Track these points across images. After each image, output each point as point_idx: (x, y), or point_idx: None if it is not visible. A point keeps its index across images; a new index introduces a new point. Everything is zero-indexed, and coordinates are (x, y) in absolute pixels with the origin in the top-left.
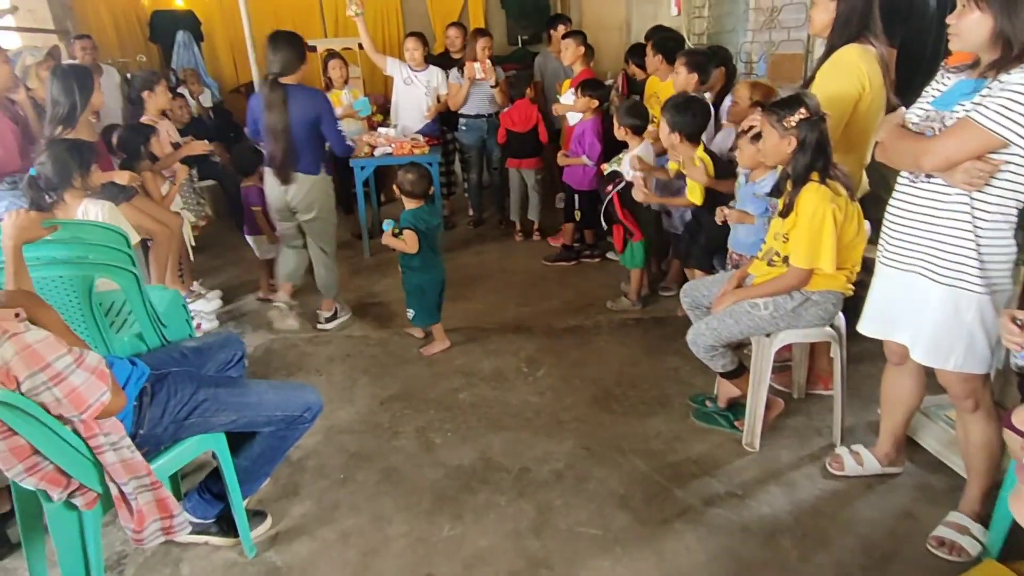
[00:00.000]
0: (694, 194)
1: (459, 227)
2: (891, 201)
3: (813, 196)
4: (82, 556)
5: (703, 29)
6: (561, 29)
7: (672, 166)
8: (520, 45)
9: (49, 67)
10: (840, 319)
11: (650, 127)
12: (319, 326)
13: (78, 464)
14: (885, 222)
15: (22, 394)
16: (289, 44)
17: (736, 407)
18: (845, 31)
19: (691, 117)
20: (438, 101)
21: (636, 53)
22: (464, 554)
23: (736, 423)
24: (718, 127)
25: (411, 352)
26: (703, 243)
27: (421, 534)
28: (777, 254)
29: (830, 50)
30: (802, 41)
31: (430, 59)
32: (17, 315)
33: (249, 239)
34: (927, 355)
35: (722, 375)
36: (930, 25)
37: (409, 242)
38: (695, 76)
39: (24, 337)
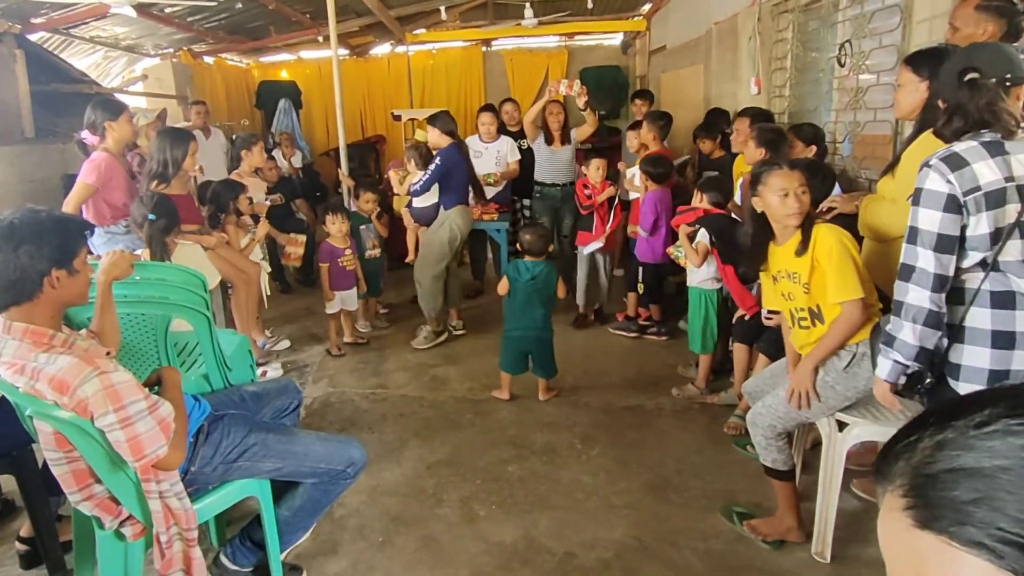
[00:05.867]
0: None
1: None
2: None
3: (827, 232)
4: None
5: (783, 108)
6: (638, 103)
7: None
8: (599, 120)
9: (157, 127)
10: None
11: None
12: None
13: (130, 496)
14: None
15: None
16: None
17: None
18: (937, 112)
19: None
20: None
21: (705, 129)
22: None
23: (745, 523)
24: None
25: (464, 418)
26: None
27: None
28: (804, 312)
29: (919, 131)
30: (890, 122)
31: (503, 130)
32: (108, 354)
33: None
34: None
35: (768, 470)
36: None
37: (500, 286)
38: (762, 151)
39: (110, 376)
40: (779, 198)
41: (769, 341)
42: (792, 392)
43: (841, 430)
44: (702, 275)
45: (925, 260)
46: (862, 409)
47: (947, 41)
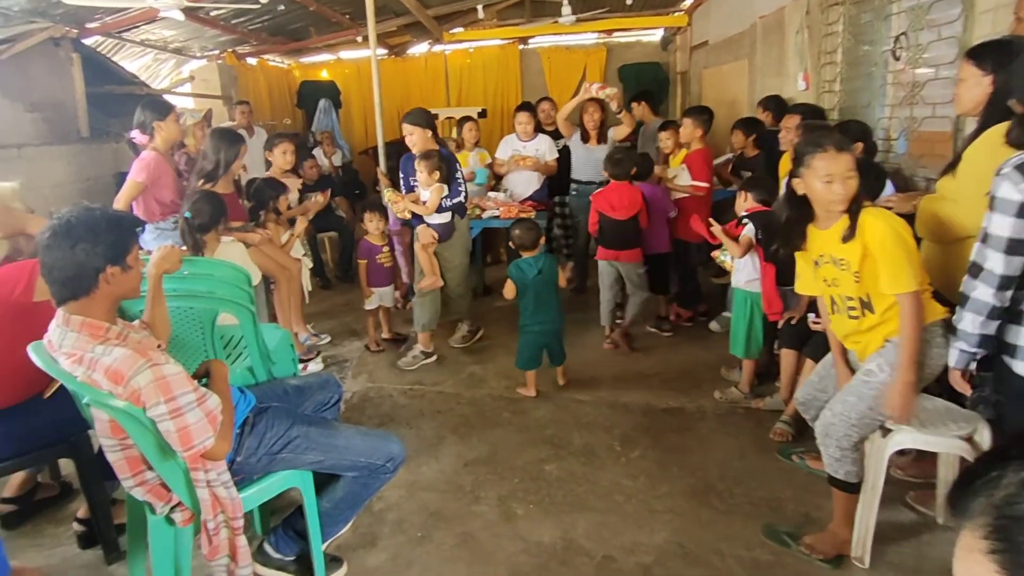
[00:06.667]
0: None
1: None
2: None
3: (877, 219)
4: (173, 571)
5: (834, 104)
6: (636, 107)
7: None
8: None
9: (203, 127)
10: (984, 433)
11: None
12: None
13: (179, 484)
14: None
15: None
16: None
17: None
18: (1002, 108)
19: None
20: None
21: (743, 124)
22: None
23: (802, 543)
24: None
25: (502, 416)
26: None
27: None
28: (853, 301)
29: (983, 127)
30: (950, 118)
31: (540, 128)
32: (159, 346)
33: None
34: None
35: (838, 483)
36: None
37: (506, 290)
38: None
39: (162, 368)
40: (823, 184)
41: (817, 346)
42: (900, 413)
43: (885, 435)
44: (747, 276)
45: (994, 262)
46: None
47: (1012, 32)
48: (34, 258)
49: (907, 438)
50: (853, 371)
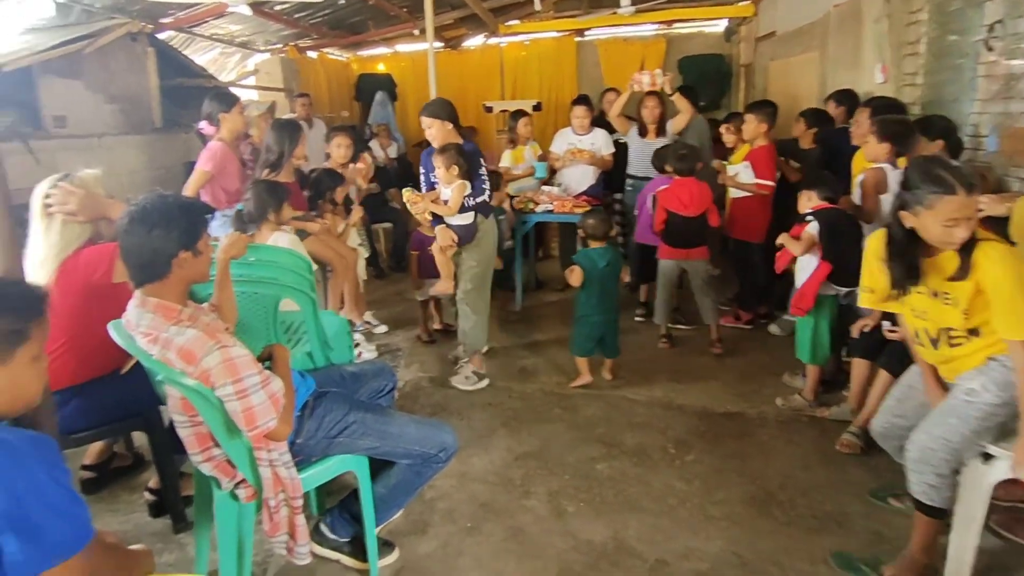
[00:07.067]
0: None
1: None
2: None
3: (995, 256)
4: (236, 544)
5: (915, 98)
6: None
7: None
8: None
9: (267, 119)
10: None
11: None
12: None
13: (244, 462)
14: None
15: None
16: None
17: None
18: None
19: None
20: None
21: (810, 117)
22: None
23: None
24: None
25: (552, 412)
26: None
27: None
28: (958, 333)
29: None
30: None
31: (596, 121)
32: (227, 329)
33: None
34: None
35: (928, 510)
36: None
37: (572, 276)
38: (887, 146)
39: (230, 350)
40: (944, 228)
41: (893, 356)
42: None
43: (986, 461)
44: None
45: None
46: (1012, 439)
47: None
48: (114, 241)
49: (1007, 467)
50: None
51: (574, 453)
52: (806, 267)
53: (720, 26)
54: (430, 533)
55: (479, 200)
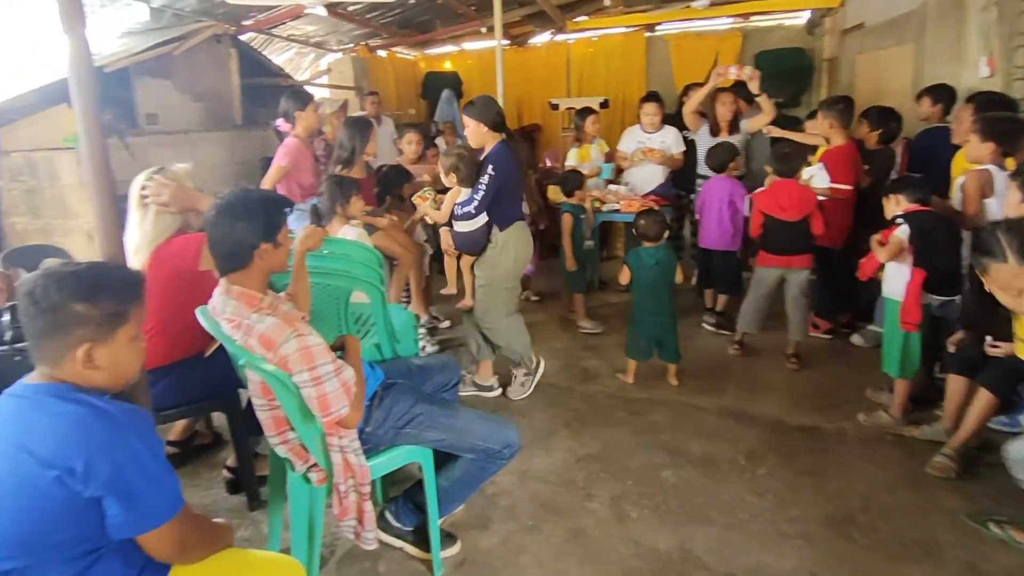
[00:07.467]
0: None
1: (679, 293)
2: None
3: None
4: (308, 524)
5: None
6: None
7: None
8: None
9: (340, 116)
10: None
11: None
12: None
13: (316, 446)
14: None
15: None
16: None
17: None
18: None
19: None
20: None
21: (873, 117)
22: None
23: None
24: None
25: (616, 415)
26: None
27: None
28: None
29: None
30: None
31: (666, 119)
32: (303, 318)
33: None
34: None
35: None
36: None
37: (621, 275)
38: (991, 146)
39: (306, 339)
40: (1009, 297)
41: (995, 374)
42: None
43: None
44: (902, 285)
45: None
46: None
47: None
48: (201, 232)
49: None
50: None
51: (638, 458)
52: (895, 275)
53: (802, 18)
54: (491, 529)
55: (465, 209)
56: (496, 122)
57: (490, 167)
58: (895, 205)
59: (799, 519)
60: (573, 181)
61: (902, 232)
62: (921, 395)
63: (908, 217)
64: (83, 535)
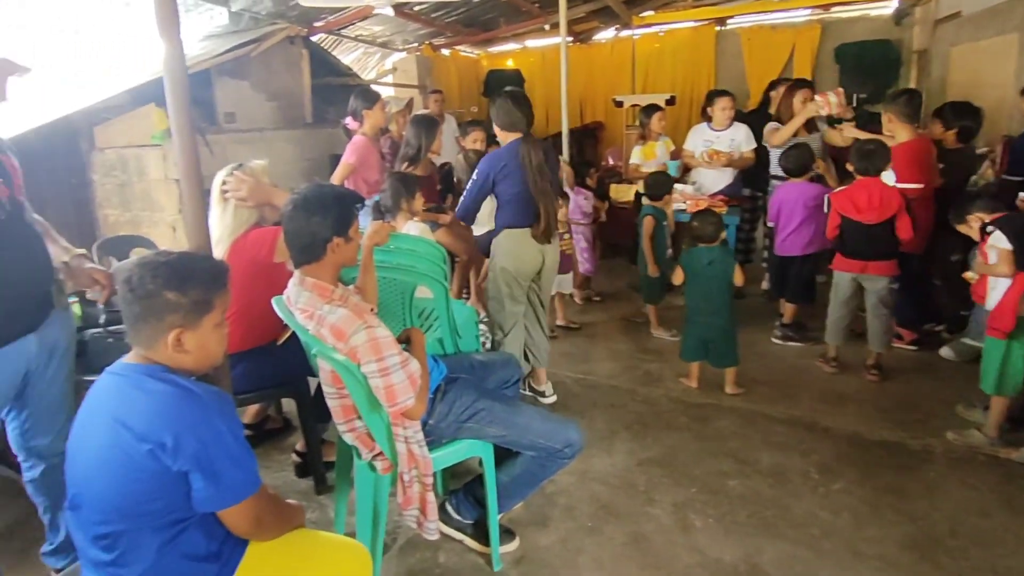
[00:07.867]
0: None
1: (748, 298)
2: None
3: None
4: (372, 510)
5: None
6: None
7: None
8: (857, 105)
9: (405, 115)
10: None
11: None
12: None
13: (382, 436)
14: None
15: None
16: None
17: None
18: None
19: None
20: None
21: (948, 113)
22: None
23: None
24: None
25: (679, 420)
26: None
27: None
28: None
29: None
30: None
31: (739, 116)
32: (372, 310)
33: None
34: None
35: None
36: None
37: (675, 275)
38: None
39: (375, 330)
40: None
41: None
42: None
43: None
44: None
45: None
46: None
47: None
48: (276, 225)
49: None
50: None
51: (702, 466)
52: (996, 287)
53: (889, 7)
54: (550, 527)
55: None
56: (506, 122)
57: (475, 171)
58: (975, 222)
59: (878, 539)
60: (664, 184)
61: (998, 241)
62: (1020, 415)
63: (999, 223)
64: (172, 506)
